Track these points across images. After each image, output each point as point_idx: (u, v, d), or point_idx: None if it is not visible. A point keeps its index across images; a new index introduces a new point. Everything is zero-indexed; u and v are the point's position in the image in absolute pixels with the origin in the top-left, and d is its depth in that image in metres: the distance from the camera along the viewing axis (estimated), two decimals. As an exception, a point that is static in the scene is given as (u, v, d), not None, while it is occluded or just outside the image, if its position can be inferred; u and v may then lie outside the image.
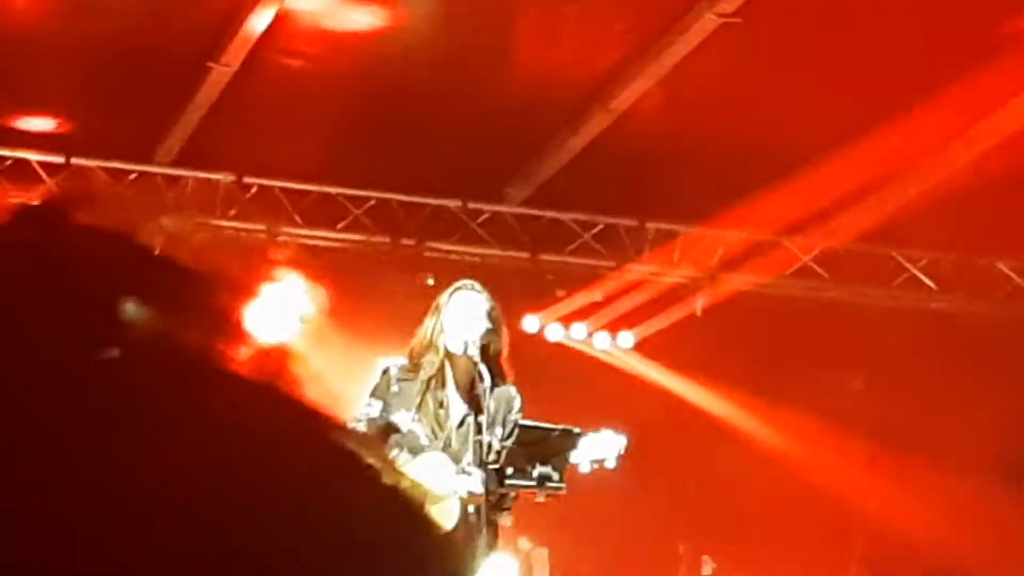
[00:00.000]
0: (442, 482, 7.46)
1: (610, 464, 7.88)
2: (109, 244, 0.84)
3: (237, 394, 0.83)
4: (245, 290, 0.92)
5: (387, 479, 0.86)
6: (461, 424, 7.60)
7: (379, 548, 0.82)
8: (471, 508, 7.53)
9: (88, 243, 0.84)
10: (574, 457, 7.89)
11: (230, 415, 0.82)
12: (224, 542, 0.77)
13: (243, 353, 0.85)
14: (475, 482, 7.51)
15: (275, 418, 0.83)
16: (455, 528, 7.44)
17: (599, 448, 7.84)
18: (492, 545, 7.65)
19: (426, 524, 0.87)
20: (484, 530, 7.52)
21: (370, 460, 0.85)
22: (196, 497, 0.77)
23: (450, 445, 7.58)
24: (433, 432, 7.58)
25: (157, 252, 0.86)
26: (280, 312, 11.15)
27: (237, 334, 0.86)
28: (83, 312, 0.81)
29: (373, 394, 7.60)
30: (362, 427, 7.49)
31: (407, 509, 0.86)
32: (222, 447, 0.80)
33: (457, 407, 7.61)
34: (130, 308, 0.82)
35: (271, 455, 0.81)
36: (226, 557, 0.77)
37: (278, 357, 0.87)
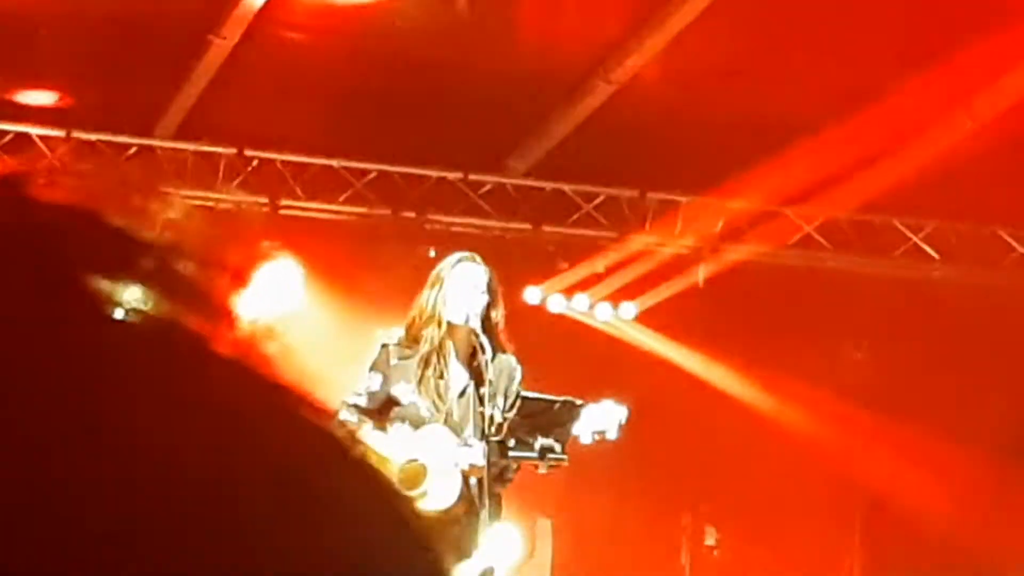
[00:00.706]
0: (444, 454, 7.47)
1: (611, 435, 7.86)
2: (68, 220, 0.83)
3: (204, 375, 0.82)
4: (224, 263, 0.90)
5: (353, 453, 0.85)
6: (462, 395, 7.60)
7: (347, 525, 0.81)
8: (473, 480, 7.54)
9: (45, 219, 0.82)
10: (576, 428, 7.88)
11: (195, 397, 0.81)
12: (189, 532, 0.76)
13: (211, 331, 0.84)
14: (477, 454, 7.52)
15: (242, 397, 0.83)
16: (456, 501, 7.46)
17: (600, 419, 7.83)
18: (495, 516, 7.65)
19: (399, 498, 0.86)
20: (487, 502, 7.53)
21: (339, 435, 0.84)
22: (154, 486, 0.77)
23: (451, 417, 7.58)
24: (434, 404, 7.58)
25: (121, 227, 0.84)
26: (281, 285, 11.15)
27: (201, 312, 0.84)
28: (37, 295, 0.80)
29: (373, 368, 7.60)
30: (363, 401, 7.51)
31: (375, 483, 0.85)
32: (185, 430, 0.79)
33: (458, 379, 7.61)
34: (89, 288, 0.81)
35: (234, 434, 0.80)
36: (193, 548, 0.76)
37: (251, 334, 0.86)
